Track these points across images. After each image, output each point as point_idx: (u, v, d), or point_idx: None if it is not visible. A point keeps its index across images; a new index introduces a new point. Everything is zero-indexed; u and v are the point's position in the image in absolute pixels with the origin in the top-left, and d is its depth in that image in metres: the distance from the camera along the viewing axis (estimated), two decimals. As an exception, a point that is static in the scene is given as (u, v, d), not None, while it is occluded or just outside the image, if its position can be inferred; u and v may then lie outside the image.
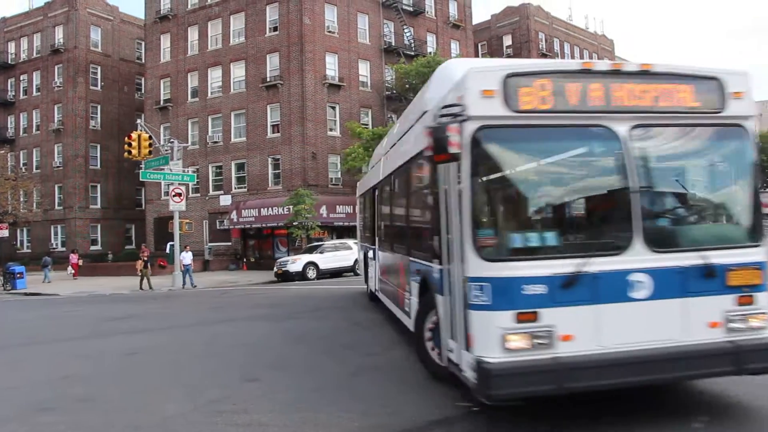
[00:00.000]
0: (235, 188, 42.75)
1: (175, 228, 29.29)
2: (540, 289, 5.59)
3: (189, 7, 46.13)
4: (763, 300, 6.02)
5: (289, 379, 8.46)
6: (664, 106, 6.07)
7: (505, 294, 5.59)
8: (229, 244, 42.82)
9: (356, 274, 27.32)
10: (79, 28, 53.29)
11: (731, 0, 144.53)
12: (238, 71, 43.27)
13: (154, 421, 6.84)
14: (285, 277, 29.48)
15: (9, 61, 57.12)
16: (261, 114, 41.75)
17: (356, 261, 26.96)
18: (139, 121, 35.58)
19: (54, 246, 52.50)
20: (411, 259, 9.14)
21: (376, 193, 14.15)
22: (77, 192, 52.33)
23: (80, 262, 40.71)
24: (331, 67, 41.82)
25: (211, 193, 43.72)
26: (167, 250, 35.71)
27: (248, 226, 40.42)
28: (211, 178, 44.02)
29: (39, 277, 35.81)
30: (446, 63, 8.64)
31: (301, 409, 6.95)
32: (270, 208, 38.18)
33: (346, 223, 37.99)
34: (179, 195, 29.29)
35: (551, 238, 5.91)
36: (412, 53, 44.66)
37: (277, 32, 41.54)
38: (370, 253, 15.57)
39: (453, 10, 50.85)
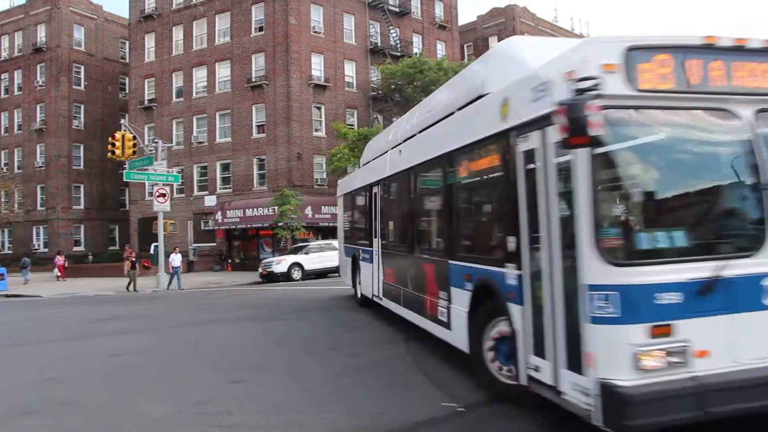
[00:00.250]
0: (220, 189, 42.55)
1: (159, 229, 29.14)
2: (675, 297, 4.89)
3: (174, 6, 45.82)
4: None
5: (274, 380, 8.45)
6: None
7: (637, 304, 4.83)
8: (214, 244, 42.62)
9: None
10: (62, 27, 52.71)
11: (717, 0, 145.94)
12: (223, 71, 43.09)
13: (138, 423, 6.80)
14: (270, 278, 29.41)
15: (-10, 60, 56.52)
16: (246, 114, 41.60)
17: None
18: (123, 121, 35.26)
19: (36, 247, 52.02)
20: (454, 263, 8.15)
21: (376, 190, 13.39)
22: (60, 192, 51.84)
23: (66, 264, 40.34)
24: (317, 67, 41.75)
25: (196, 193, 43.50)
26: (151, 251, 35.46)
27: (233, 226, 40.27)
28: (195, 178, 43.79)
29: (20, 279, 35.45)
30: (507, 41, 7.94)
31: (286, 411, 6.95)
32: (255, 209, 38.05)
33: (331, 224, 37.89)
34: (163, 195, 29.12)
35: (682, 237, 5.19)
36: (398, 54, 44.65)
37: (262, 32, 41.41)
38: (365, 255, 14.55)
39: (439, 10, 50.95)
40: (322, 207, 37.87)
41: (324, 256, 29.77)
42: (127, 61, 51.32)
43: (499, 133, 6.59)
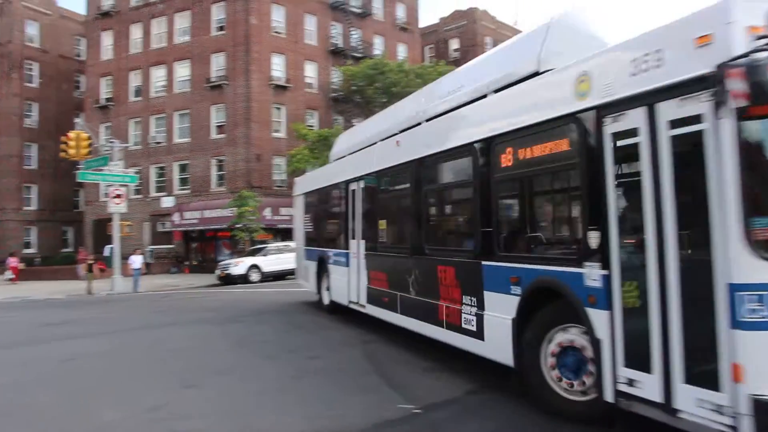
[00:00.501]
0: (177, 190, 41.97)
1: (115, 231, 28.56)
2: None
3: (132, 3, 45.08)
4: None
5: (230, 383, 8.34)
6: None
7: None
8: (172, 246, 41.97)
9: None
10: (14, 22, 51.29)
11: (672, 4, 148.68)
12: (182, 71, 42.53)
13: (89, 429, 6.68)
14: (228, 280, 29.18)
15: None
16: (205, 114, 41.14)
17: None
18: (78, 120, 34.57)
19: (-15, 248, 50.49)
20: (492, 264, 7.23)
21: (355, 187, 12.33)
22: (10, 193, 50.43)
23: (20, 266, 39.27)
24: (278, 68, 41.55)
25: (153, 194, 42.80)
26: (106, 254, 34.74)
27: (191, 228, 39.77)
28: (153, 179, 43.09)
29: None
30: (563, 15, 7.17)
31: (241, 414, 6.88)
32: (213, 210, 37.62)
33: (290, 226, 37.67)
34: (119, 196, 28.54)
35: None
36: (360, 55, 44.68)
37: (223, 32, 41.03)
38: (338, 259, 13.43)
39: (401, 12, 51.13)
40: (282, 208, 37.59)
41: (282, 258, 29.55)
42: (83, 58, 50.22)
43: (575, 113, 5.84)
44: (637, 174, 5.11)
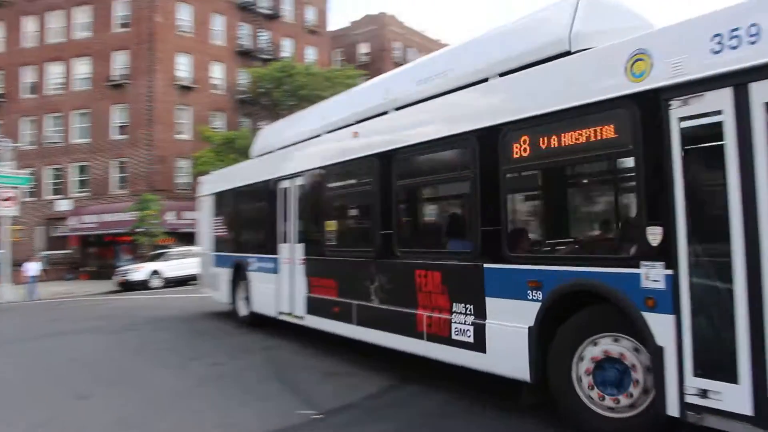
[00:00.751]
0: (75, 192, 40.13)
1: (4, 235, 27.04)
2: None
3: (25, -6, 42.79)
4: None
5: (124, 394, 8.08)
6: None
7: None
8: (68, 252, 40.05)
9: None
10: None
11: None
12: (81, 68, 40.76)
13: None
14: (127, 286, 28.27)
15: None
16: (106, 114, 39.63)
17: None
18: (-37, 116, 32.50)
19: None
20: (498, 266, 6.52)
21: (288, 185, 11.30)
22: None
23: None
24: (183, 68, 40.58)
25: (48, 197, 40.73)
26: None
27: (89, 233, 38.08)
28: (48, 181, 41.00)
29: None
30: None
31: (130, 427, 6.70)
32: (113, 214, 36.15)
33: (195, 230, 36.80)
34: (10, 199, 27.06)
35: None
36: (268, 57, 44.23)
37: (126, 29, 39.66)
38: (263, 265, 12.23)
39: (311, 15, 50.94)
40: (185, 212, 36.66)
41: (186, 263, 28.90)
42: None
43: (628, 95, 5.28)
44: (718, 161, 4.63)
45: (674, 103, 4.89)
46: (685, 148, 4.84)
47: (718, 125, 4.59)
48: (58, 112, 41.02)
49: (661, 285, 4.94)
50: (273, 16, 46.74)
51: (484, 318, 6.64)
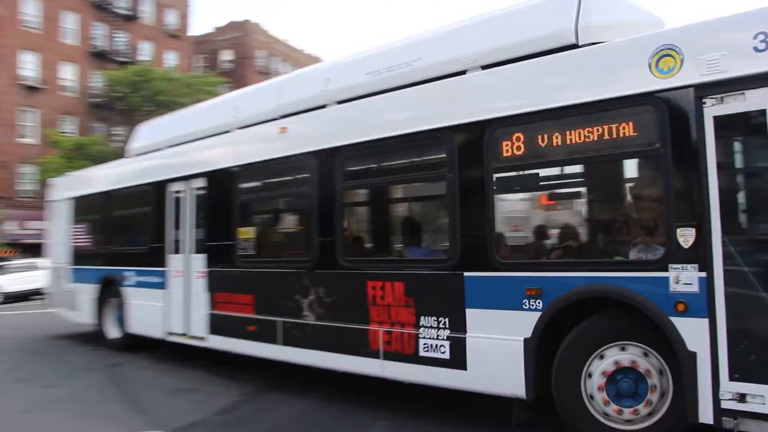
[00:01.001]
0: None
1: None
2: None
3: None
4: None
5: None
6: None
7: None
8: None
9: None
10: None
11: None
12: None
13: None
14: (-42, 302, 25.85)
15: None
16: (-64, 113, 36.18)
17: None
18: None
19: None
20: (479, 274, 6.00)
21: (185, 188, 10.02)
22: None
23: None
24: (29, 66, 38.10)
25: None
26: None
27: None
28: None
29: None
30: None
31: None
32: (-55, 223, 33.16)
33: (40, 240, 34.47)
34: None
35: None
36: (125, 60, 42.37)
37: (-40, 21, 36.48)
38: (147, 279, 10.78)
39: (172, 18, 49.31)
40: (30, 222, 34.30)
41: (28, 276, 26.98)
42: None
43: (654, 92, 5.06)
44: (758, 161, 4.66)
45: (709, 101, 4.77)
46: (721, 148, 4.76)
47: (762, 126, 4.54)
48: None
49: (694, 288, 4.77)
50: (131, 17, 44.83)
51: (464, 331, 6.09)
